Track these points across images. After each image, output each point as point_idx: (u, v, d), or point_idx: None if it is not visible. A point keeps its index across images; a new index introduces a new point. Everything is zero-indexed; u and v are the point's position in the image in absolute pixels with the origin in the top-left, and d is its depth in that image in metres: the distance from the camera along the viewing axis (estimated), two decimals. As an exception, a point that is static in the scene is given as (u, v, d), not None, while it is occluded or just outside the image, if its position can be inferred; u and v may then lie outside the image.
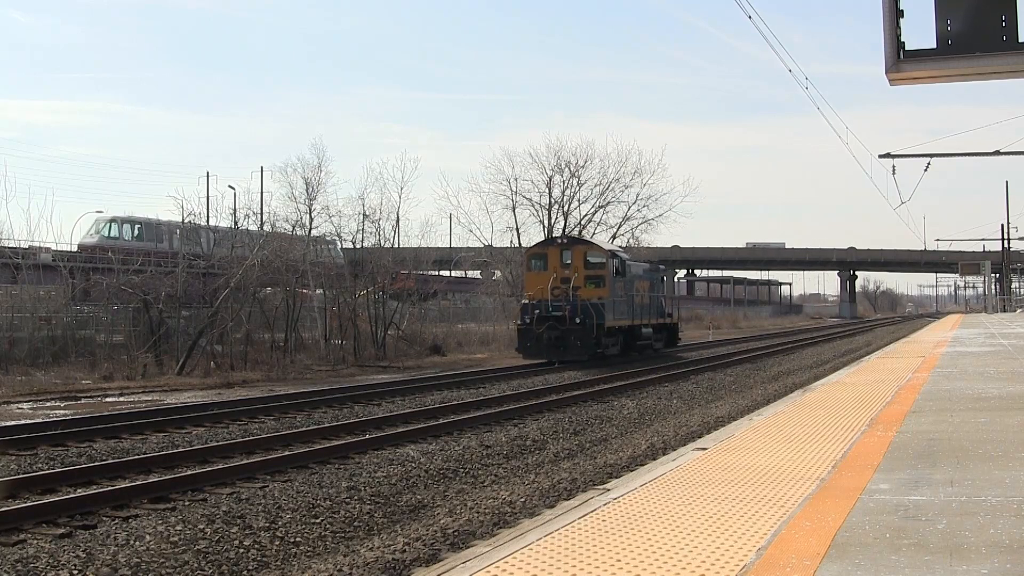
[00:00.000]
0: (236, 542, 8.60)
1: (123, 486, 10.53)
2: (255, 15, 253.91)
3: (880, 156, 33.02)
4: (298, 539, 8.86)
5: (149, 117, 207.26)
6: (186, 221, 37.89)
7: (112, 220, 46.48)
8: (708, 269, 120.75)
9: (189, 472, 11.44)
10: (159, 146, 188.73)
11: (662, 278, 38.16)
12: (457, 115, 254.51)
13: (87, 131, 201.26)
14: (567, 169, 47.85)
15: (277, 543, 8.70)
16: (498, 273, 50.37)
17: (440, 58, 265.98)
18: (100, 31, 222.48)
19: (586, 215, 48.88)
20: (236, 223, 38.35)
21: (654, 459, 11.30)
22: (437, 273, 58.76)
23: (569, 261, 29.83)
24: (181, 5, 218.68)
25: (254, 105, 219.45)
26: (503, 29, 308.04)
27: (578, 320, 28.05)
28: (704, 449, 8.67)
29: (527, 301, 29.69)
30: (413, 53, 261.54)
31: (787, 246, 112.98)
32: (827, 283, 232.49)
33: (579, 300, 28.45)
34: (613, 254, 30.60)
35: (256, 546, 8.56)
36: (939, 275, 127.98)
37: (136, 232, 46.51)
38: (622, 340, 30.73)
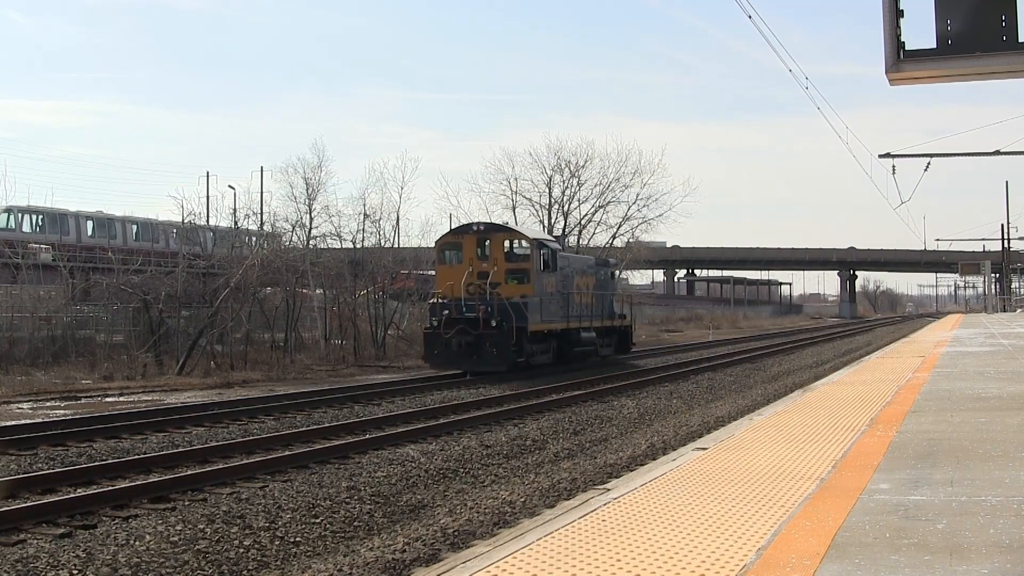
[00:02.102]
0: (236, 542, 8.60)
1: (123, 486, 10.53)
2: (255, 15, 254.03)
3: (880, 156, 33.04)
4: (298, 539, 8.86)
5: (149, 117, 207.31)
6: (99, 212, 37.79)
7: (8, 211, 43.27)
8: (708, 269, 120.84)
9: (189, 472, 11.44)
10: (159, 146, 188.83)
11: (612, 274, 33.22)
12: (457, 115, 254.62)
13: (87, 131, 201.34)
14: (567, 169, 47.85)
15: (277, 543, 8.70)
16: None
17: (440, 58, 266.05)
18: (100, 31, 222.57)
19: (586, 215, 48.89)
20: (236, 223, 38.37)
21: (654, 459, 11.30)
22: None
23: (487, 252, 25.52)
24: (180, 5, 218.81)
25: (254, 105, 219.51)
26: (503, 29, 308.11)
27: (494, 323, 23.82)
28: (704, 449, 8.67)
29: (436, 300, 25.60)
30: (413, 53, 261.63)
31: (787, 246, 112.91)
32: (827, 283, 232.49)
33: (497, 299, 24.25)
34: (541, 243, 26.14)
35: (256, 546, 8.56)
36: (939, 275, 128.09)
37: (38, 224, 44.45)
38: (555, 346, 26.80)
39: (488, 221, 28.46)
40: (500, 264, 25.20)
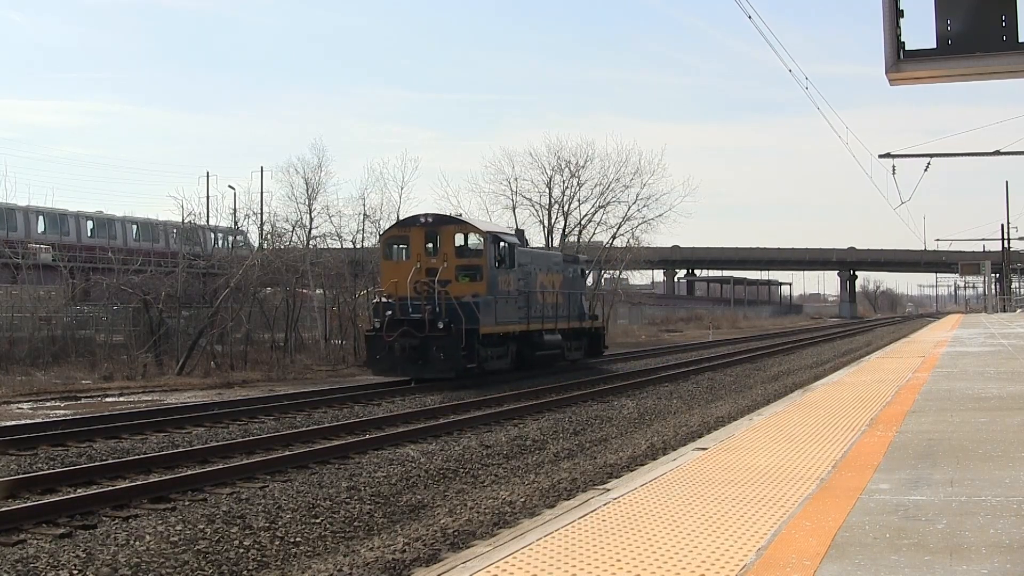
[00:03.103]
0: (236, 542, 8.60)
1: (123, 486, 10.53)
2: (255, 15, 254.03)
3: (880, 156, 32.99)
4: (298, 539, 8.86)
5: (149, 117, 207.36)
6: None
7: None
8: (708, 269, 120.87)
9: (189, 472, 11.44)
10: (159, 146, 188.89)
11: (582, 271, 30.54)
12: (457, 115, 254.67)
13: (87, 131, 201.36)
14: (567, 169, 47.79)
15: (277, 543, 8.70)
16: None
17: (439, 58, 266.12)
18: (99, 31, 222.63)
19: (586, 215, 48.84)
20: (236, 223, 38.42)
21: (654, 459, 11.30)
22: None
23: (437, 246, 23.23)
24: (180, 5, 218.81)
25: (254, 105, 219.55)
26: (502, 30, 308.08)
27: (441, 325, 21.53)
28: (704, 449, 8.67)
29: (380, 299, 23.32)
30: (413, 53, 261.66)
31: (787, 246, 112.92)
32: (827, 283, 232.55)
33: (445, 298, 21.99)
34: (496, 237, 23.71)
35: (256, 546, 8.56)
36: (939, 275, 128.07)
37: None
38: (514, 350, 24.44)
39: (438, 213, 25.71)
40: (450, 260, 22.92)
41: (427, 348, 21.69)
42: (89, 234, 47.18)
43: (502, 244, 23.75)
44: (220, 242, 48.44)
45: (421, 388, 21.34)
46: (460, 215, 27.30)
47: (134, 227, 49.66)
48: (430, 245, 23.24)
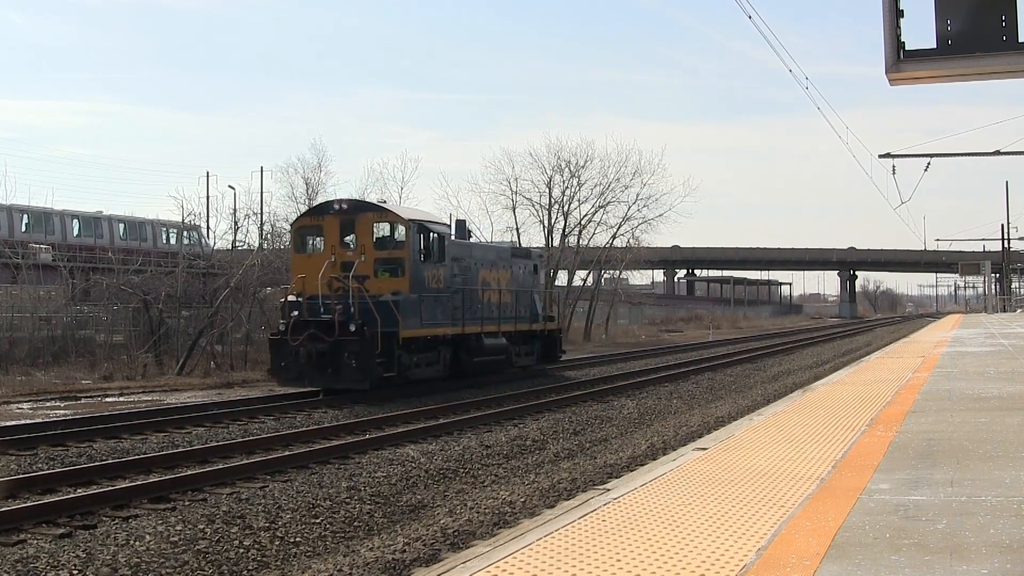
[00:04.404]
0: (236, 542, 8.60)
1: (123, 486, 10.53)
2: (255, 16, 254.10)
3: (880, 156, 33.02)
4: (298, 539, 8.86)
5: (149, 117, 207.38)
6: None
7: None
8: (708, 269, 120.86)
9: (189, 472, 11.44)
10: (159, 146, 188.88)
11: (535, 267, 27.15)
12: (457, 115, 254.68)
13: (87, 131, 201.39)
14: (567, 169, 47.86)
15: (277, 543, 8.70)
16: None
17: (439, 58, 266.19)
18: (98, 31, 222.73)
19: (586, 215, 48.90)
20: (237, 223, 38.44)
21: (654, 459, 11.30)
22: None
23: (354, 237, 20.49)
24: (180, 5, 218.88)
25: (254, 105, 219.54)
26: (502, 30, 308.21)
27: (354, 327, 18.76)
28: (704, 449, 8.67)
29: (289, 297, 20.46)
30: (413, 54, 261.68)
31: (787, 246, 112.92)
32: (827, 283, 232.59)
33: (359, 296, 19.18)
34: (422, 226, 20.66)
35: (256, 546, 8.56)
36: (939, 275, 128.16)
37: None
38: (446, 356, 21.52)
39: (356, 198, 22.38)
40: (369, 252, 20.07)
41: (338, 354, 18.87)
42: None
43: (431, 235, 20.85)
44: (168, 238, 48.35)
45: (334, 402, 18.53)
46: (383, 201, 24.01)
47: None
48: (346, 235, 20.48)
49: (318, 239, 20.94)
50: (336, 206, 20.95)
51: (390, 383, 19.40)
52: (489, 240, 44.58)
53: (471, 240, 25.24)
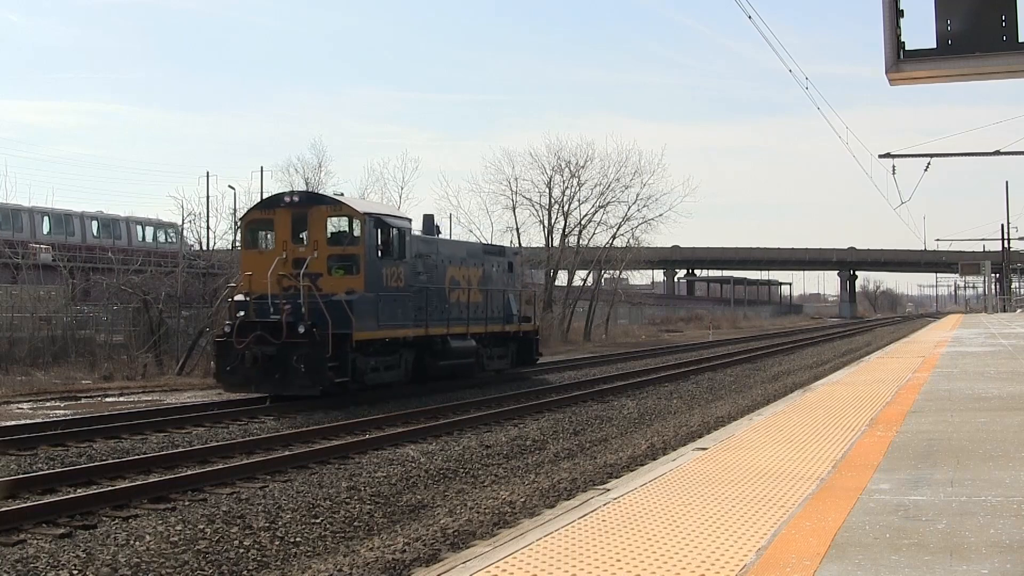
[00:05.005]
0: (236, 542, 8.60)
1: (123, 486, 10.53)
2: (255, 16, 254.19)
3: (880, 156, 33.00)
4: (298, 539, 8.86)
5: (149, 117, 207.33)
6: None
7: None
8: (708, 269, 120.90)
9: (189, 472, 11.44)
10: (159, 146, 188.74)
11: (510, 264, 25.83)
12: (456, 115, 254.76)
13: (87, 131, 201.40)
14: (567, 169, 47.89)
15: (277, 543, 8.70)
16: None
17: (439, 59, 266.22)
18: (98, 31, 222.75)
19: (586, 215, 48.93)
20: (237, 224, 38.41)
21: (654, 459, 11.30)
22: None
23: (306, 231, 19.14)
24: (179, 5, 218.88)
25: (254, 105, 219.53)
26: (502, 30, 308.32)
27: (303, 329, 17.55)
28: (704, 449, 8.67)
29: (236, 297, 19.27)
30: (413, 54, 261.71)
31: (787, 246, 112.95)
32: (827, 283, 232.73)
33: (309, 295, 17.89)
34: (379, 220, 19.34)
35: (256, 546, 8.56)
36: (939, 275, 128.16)
37: None
38: (408, 360, 20.19)
39: (308, 191, 20.36)
40: (322, 248, 18.79)
41: (286, 358, 17.63)
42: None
43: (390, 230, 19.53)
44: (145, 236, 48.09)
45: (284, 408, 17.40)
46: (340, 194, 23.11)
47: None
48: (299, 230, 19.14)
49: (269, 234, 19.64)
50: (287, 199, 19.49)
51: (345, 389, 18.28)
52: (489, 240, 44.43)
53: (439, 236, 23.99)
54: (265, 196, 27.67)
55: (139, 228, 49.16)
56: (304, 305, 17.75)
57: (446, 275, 21.84)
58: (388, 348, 19.39)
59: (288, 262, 18.64)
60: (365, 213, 19.06)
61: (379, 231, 19.25)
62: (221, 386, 19.31)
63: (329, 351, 17.38)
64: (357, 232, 19.00)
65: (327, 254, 18.80)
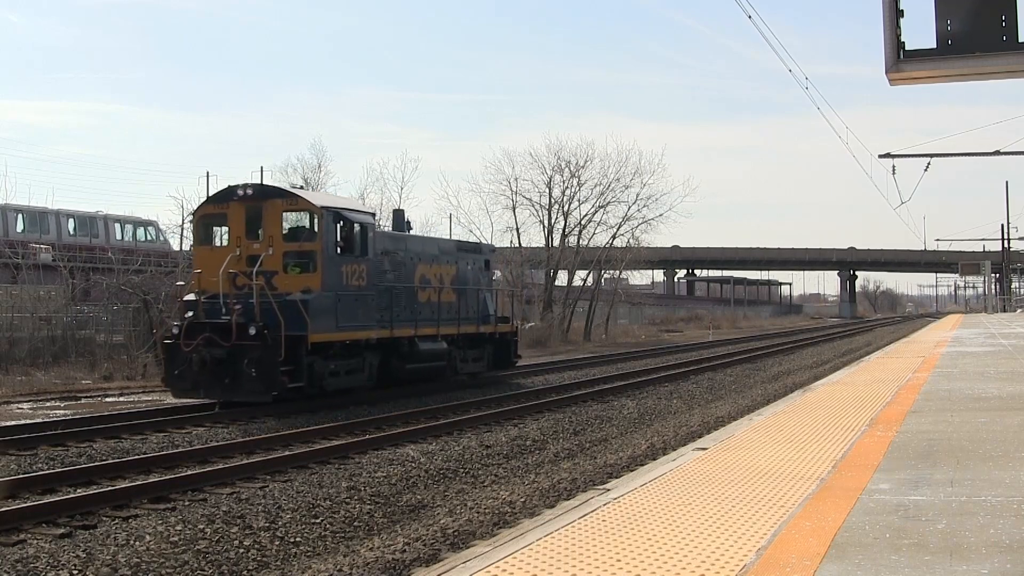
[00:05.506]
0: (236, 542, 8.60)
1: (123, 486, 10.53)
2: (255, 16, 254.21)
3: (880, 156, 33.03)
4: (298, 539, 8.86)
5: (149, 117, 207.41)
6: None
7: None
8: (708, 269, 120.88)
9: (189, 472, 11.44)
10: (159, 146, 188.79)
11: (486, 262, 24.66)
12: (456, 115, 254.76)
13: (87, 131, 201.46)
14: (567, 169, 47.93)
15: (277, 543, 8.70)
16: (498, 273, 50.39)
17: (440, 59, 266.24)
18: (98, 31, 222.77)
19: (586, 215, 48.96)
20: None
21: (654, 459, 11.30)
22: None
23: (261, 226, 17.89)
24: (179, 5, 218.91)
25: (254, 105, 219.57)
26: (502, 30, 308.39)
27: (253, 331, 16.52)
28: (704, 449, 8.67)
29: (187, 296, 18.32)
30: (413, 54, 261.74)
31: (787, 246, 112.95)
32: (827, 283, 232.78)
33: (261, 294, 16.83)
34: (338, 214, 18.21)
35: (256, 546, 8.56)
36: (939, 275, 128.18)
37: None
38: (372, 363, 19.07)
39: (264, 183, 18.59)
40: (277, 244, 17.65)
41: (236, 362, 16.60)
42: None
43: (351, 225, 18.41)
44: (123, 235, 47.86)
45: (234, 415, 16.44)
46: (299, 187, 20.50)
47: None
48: (254, 225, 17.94)
49: (223, 229, 18.47)
50: (240, 192, 18.15)
51: (303, 394, 17.24)
52: (489, 240, 44.34)
53: (410, 232, 22.75)
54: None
55: (117, 226, 48.89)
56: (256, 305, 16.76)
57: (415, 273, 20.72)
58: (350, 351, 18.35)
59: (242, 259, 17.58)
60: (322, 207, 17.93)
61: (338, 226, 18.16)
62: (169, 391, 18.22)
63: (282, 354, 16.37)
64: (314, 227, 17.86)
65: (283, 250, 17.70)
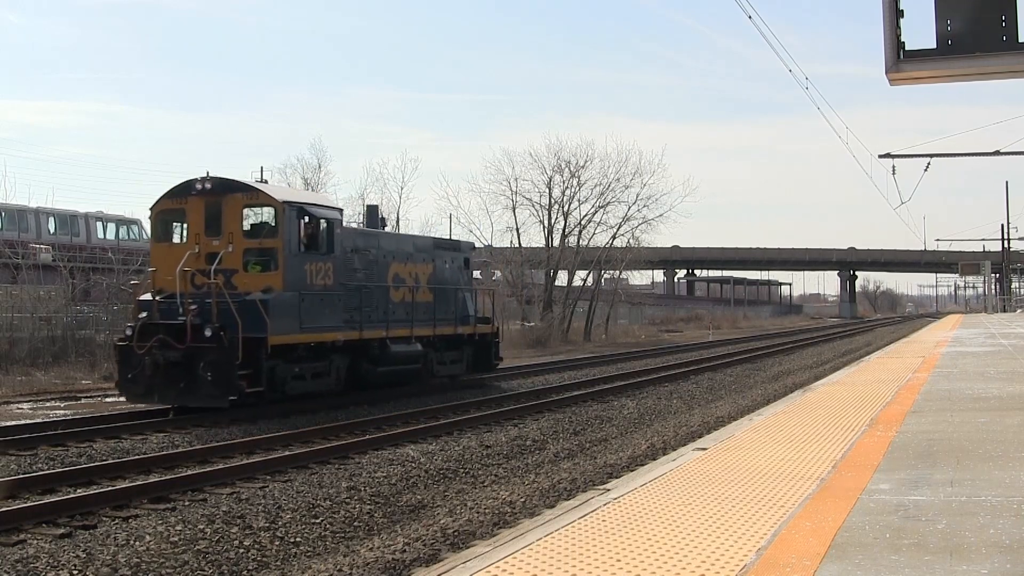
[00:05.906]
0: (236, 542, 8.60)
1: (123, 486, 10.53)
2: (255, 16, 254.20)
3: (880, 156, 33.03)
4: (298, 539, 8.86)
5: (148, 117, 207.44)
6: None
7: None
8: (708, 269, 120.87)
9: (189, 472, 11.44)
10: (158, 146, 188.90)
11: (466, 260, 23.61)
12: (457, 115, 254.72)
13: (86, 131, 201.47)
14: (567, 169, 47.93)
15: (277, 543, 8.70)
16: (498, 273, 50.43)
17: (440, 59, 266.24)
18: (98, 32, 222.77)
19: (586, 215, 48.95)
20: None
21: (654, 459, 11.30)
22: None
23: (221, 222, 16.98)
24: (179, 5, 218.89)
25: (254, 105, 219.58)
26: (502, 31, 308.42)
27: (209, 332, 15.75)
28: (704, 449, 8.67)
29: (143, 296, 17.61)
30: (413, 54, 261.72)
31: (787, 246, 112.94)
32: (827, 283, 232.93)
33: (218, 293, 16.02)
34: (301, 209, 17.31)
35: (256, 546, 8.56)
36: (939, 275, 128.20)
37: None
38: (340, 367, 18.24)
39: (222, 177, 17.71)
40: (238, 241, 16.80)
41: (191, 366, 15.80)
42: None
43: (318, 221, 17.61)
44: (105, 233, 47.65)
45: (189, 422, 15.57)
46: (264, 181, 19.71)
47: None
48: (213, 221, 17.01)
49: (181, 224, 17.60)
50: (199, 185, 17.16)
51: (263, 399, 16.46)
52: (489, 240, 44.25)
53: (384, 229, 21.78)
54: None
55: (99, 224, 48.71)
56: (214, 305, 15.93)
57: (388, 272, 19.70)
58: (315, 354, 17.53)
59: (201, 257, 16.69)
60: (284, 201, 17.01)
61: (302, 222, 17.30)
62: (123, 396, 17.39)
63: (239, 357, 15.50)
64: (276, 223, 16.96)
65: (244, 248, 16.84)
